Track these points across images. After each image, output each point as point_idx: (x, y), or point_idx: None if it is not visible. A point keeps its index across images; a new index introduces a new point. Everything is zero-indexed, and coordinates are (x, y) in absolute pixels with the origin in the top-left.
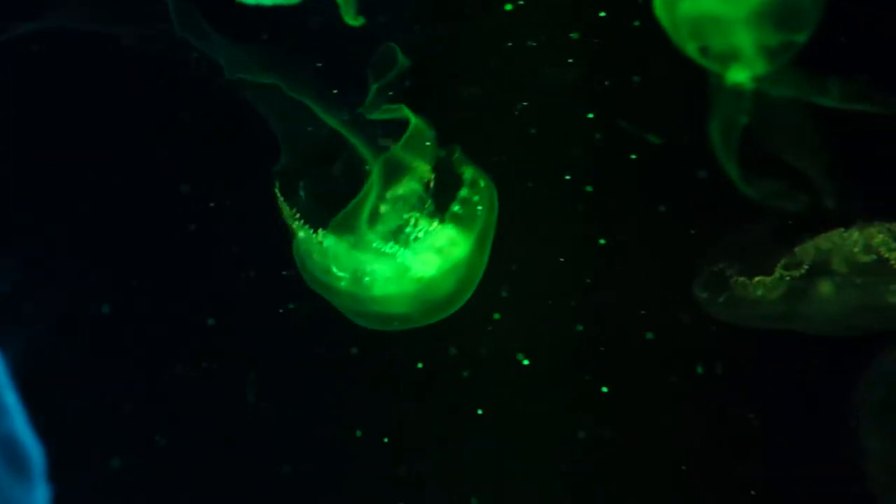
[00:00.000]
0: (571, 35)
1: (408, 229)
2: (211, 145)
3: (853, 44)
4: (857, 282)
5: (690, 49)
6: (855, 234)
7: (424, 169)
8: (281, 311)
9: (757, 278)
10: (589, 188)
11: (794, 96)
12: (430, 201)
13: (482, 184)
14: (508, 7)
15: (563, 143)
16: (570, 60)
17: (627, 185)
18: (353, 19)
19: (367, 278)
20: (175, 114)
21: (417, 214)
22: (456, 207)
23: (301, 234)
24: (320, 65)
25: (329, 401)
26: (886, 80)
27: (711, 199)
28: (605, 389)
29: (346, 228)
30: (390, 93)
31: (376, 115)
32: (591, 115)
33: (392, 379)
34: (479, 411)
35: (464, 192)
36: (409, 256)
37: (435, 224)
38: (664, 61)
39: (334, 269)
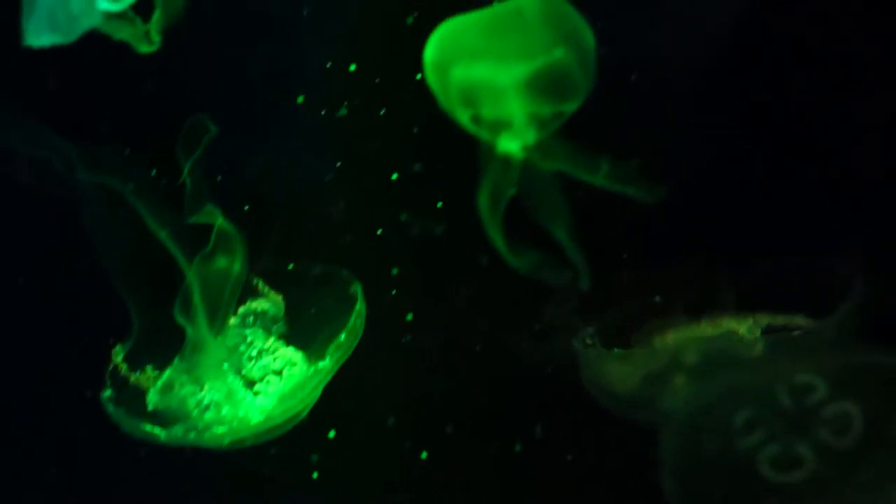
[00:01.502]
0: (343, 108)
1: (246, 350)
2: None
3: (627, 123)
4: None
5: (462, 116)
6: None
7: (270, 291)
8: None
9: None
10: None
11: (562, 170)
12: (280, 322)
13: (359, 307)
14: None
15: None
16: (340, 132)
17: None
18: (147, 46)
19: (197, 410)
20: None
21: (265, 337)
22: (342, 336)
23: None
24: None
25: None
26: (655, 167)
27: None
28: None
29: (185, 357)
30: (202, 168)
31: (193, 219)
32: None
33: None
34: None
35: (350, 322)
36: (248, 386)
37: (281, 348)
38: (436, 128)
39: (165, 402)
